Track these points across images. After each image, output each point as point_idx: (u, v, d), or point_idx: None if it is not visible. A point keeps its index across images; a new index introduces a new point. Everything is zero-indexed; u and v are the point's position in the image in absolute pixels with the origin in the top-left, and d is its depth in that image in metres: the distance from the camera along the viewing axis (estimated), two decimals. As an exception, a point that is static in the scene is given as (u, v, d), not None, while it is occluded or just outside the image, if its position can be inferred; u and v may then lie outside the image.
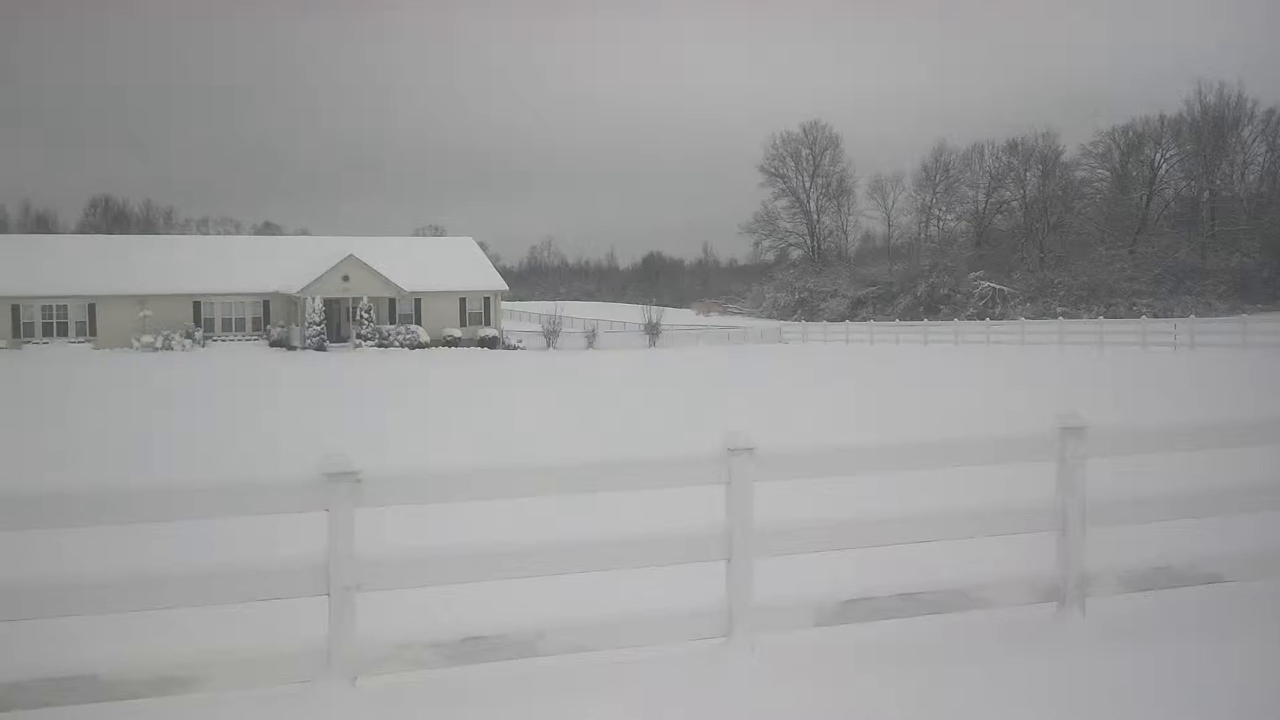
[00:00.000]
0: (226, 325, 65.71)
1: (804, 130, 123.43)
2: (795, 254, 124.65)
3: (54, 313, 62.44)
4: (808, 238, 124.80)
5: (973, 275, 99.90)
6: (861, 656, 6.23)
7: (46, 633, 5.82)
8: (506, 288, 73.54)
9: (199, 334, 63.52)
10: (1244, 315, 56.46)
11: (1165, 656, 6.20)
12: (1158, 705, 5.54)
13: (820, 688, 5.79)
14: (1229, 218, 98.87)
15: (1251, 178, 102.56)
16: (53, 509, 5.44)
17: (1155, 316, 70.22)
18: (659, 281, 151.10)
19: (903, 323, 76.85)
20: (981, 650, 6.36)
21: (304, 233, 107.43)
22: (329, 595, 5.60)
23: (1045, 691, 5.75)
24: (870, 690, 5.76)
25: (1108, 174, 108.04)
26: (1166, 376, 30.87)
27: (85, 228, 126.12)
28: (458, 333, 67.18)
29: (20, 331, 61.53)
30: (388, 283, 65.38)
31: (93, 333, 62.71)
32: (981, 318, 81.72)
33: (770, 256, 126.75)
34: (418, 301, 67.61)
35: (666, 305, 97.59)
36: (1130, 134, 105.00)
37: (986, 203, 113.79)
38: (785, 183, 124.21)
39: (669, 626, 6.19)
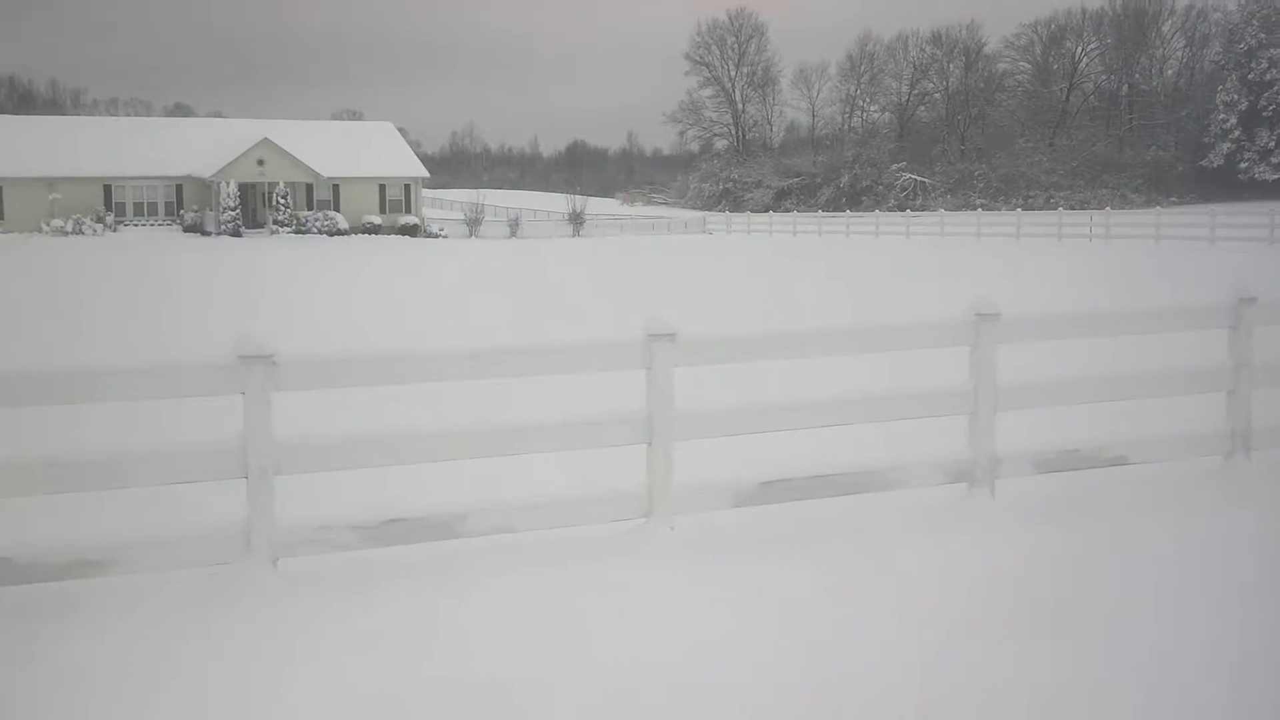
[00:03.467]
0: (139, 210, 64.01)
1: (730, 18, 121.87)
2: (720, 144, 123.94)
3: (-43, 196, 60.41)
4: (732, 128, 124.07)
5: (895, 167, 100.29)
6: (776, 536, 6.37)
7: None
8: (427, 174, 72.37)
9: (110, 218, 61.86)
10: (1158, 208, 57.44)
11: (1070, 535, 6.41)
12: (1058, 581, 5.74)
13: (735, 565, 5.92)
14: (1147, 112, 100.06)
15: (1170, 72, 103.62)
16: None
17: (1072, 209, 71.16)
18: (583, 170, 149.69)
19: (825, 214, 77.06)
20: (891, 528, 6.54)
21: (217, 115, 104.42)
22: (247, 478, 5.58)
23: (947, 567, 5.93)
24: (782, 567, 5.89)
25: (1029, 66, 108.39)
26: (1081, 268, 31.44)
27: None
28: (377, 220, 66.15)
29: (-78, 215, 59.51)
30: (304, 168, 64.02)
31: (0, 216, 60.79)
32: (902, 209, 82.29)
33: (695, 146, 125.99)
34: (336, 188, 66.36)
35: (591, 195, 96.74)
36: (1052, 26, 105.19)
37: (910, 94, 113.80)
38: (710, 71, 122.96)
39: (590, 508, 6.26)
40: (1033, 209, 74.42)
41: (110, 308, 22.21)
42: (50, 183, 61.61)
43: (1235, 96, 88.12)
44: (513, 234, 69.28)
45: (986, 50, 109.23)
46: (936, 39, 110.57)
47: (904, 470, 6.84)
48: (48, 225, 60.02)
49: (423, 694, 4.47)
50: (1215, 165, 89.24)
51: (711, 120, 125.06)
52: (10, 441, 6.25)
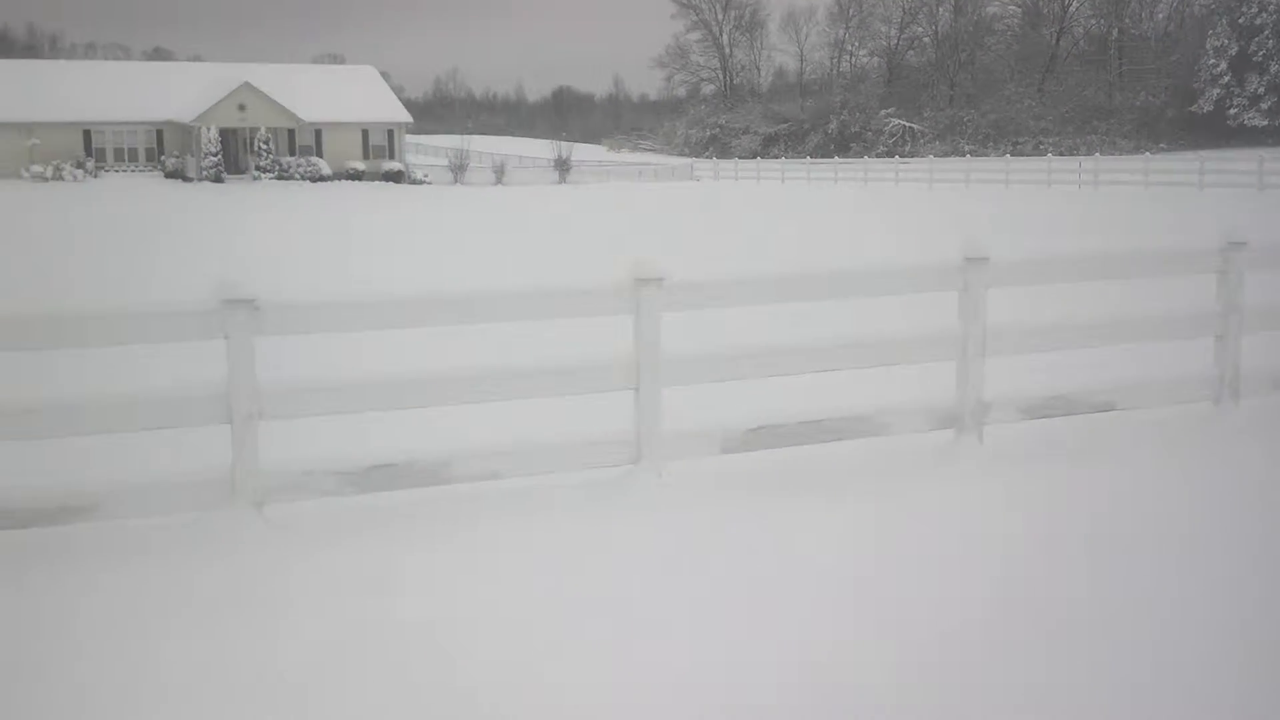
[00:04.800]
0: (119, 155, 63.33)
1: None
2: (707, 89, 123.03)
3: (-66, 140, 59.68)
4: (720, 73, 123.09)
5: (884, 112, 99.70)
6: (765, 481, 6.35)
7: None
8: (410, 120, 71.71)
9: (90, 164, 61.23)
10: (1147, 154, 57.31)
11: (1057, 477, 6.42)
12: (1045, 520, 5.75)
13: (723, 509, 5.90)
14: (1136, 57, 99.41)
15: (1160, 16, 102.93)
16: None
17: (1061, 155, 70.97)
18: (570, 116, 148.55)
19: (813, 160, 76.69)
20: (877, 472, 6.54)
21: (197, 58, 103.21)
22: (231, 423, 5.53)
23: (934, 510, 5.92)
24: (770, 510, 5.88)
25: (1019, 10, 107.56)
26: (1069, 214, 31.40)
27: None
28: (360, 166, 65.58)
29: (-100, 161, 58.79)
30: (286, 112, 63.35)
31: (-21, 162, 60.15)
32: (891, 156, 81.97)
33: (682, 92, 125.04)
34: (318, 133, 65.71)
35: (577, 141, 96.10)
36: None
37: (899, 38, 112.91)
38: (698, 15, 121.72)
39: (577, 453, 6.23)
40: (1021, 155, 74.21)
41: (91, 254, 22.02)
42: (29, 128, 60.87)
43: (1225, 41, 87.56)
44: (498, 180, 68.83)
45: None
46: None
47: (892, 415, 6.82)
48: (27, 171, 59.37)
49: (401, 636, 4.46)
50: (1205, 111, 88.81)
51: (699, 65, 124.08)
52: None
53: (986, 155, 79.32)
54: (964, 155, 72.30)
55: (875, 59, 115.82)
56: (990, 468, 6.62)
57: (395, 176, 65.49)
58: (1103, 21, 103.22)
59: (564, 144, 78.32)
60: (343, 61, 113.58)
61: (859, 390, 7.12)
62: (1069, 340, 7.41)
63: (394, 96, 72.86)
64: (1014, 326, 7.08)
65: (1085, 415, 7.30)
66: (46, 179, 58.72)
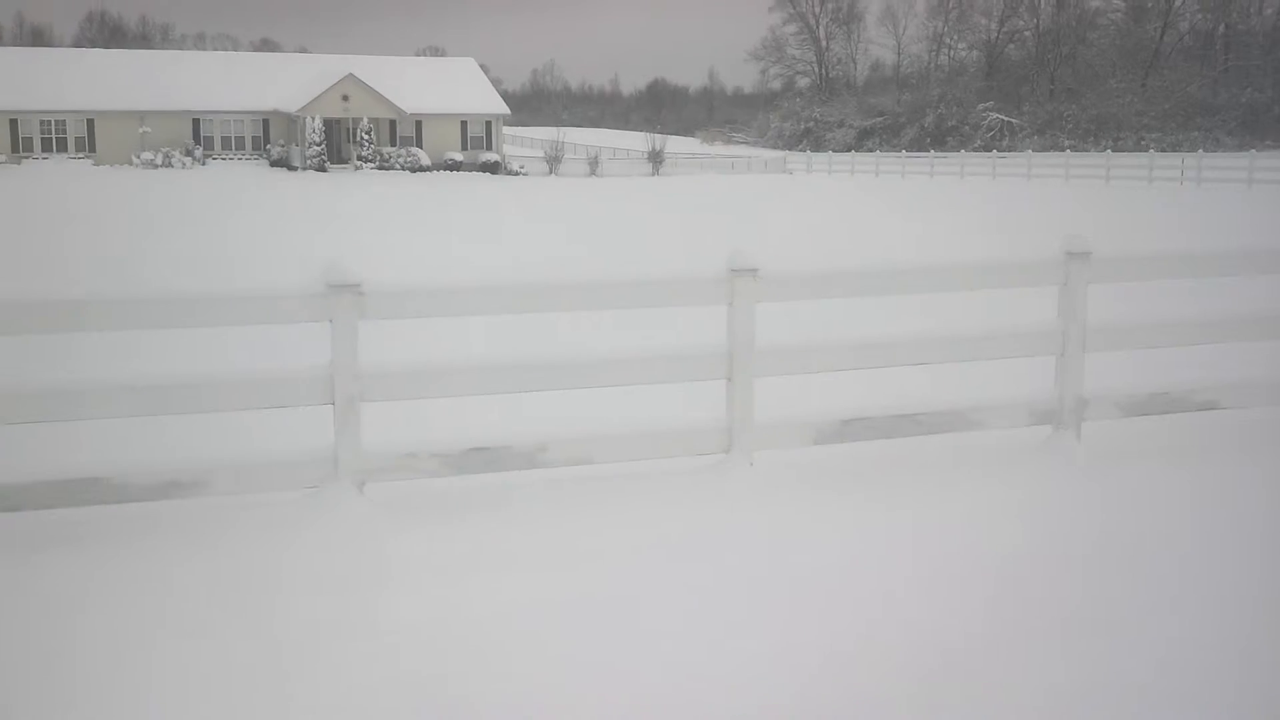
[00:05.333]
0: (226, 144, 64.87)
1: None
2: (802, 82, 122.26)
3: (53, 128, 61.54)
4: (816, 65, 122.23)
5: (981, 106, 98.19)
6: (857, 474, 6.35)
7: (52, 437, 5.91)
8: (508, 111, 72.33)
9: (199, 152, 62.79)
10: (1252, 151, 55.69)
11: (1157, 477, 6.31)
12: (1138, 523, 5.67)
13: (815, 500, 5.91)
14: (1243, 52, 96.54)
15: (1269, 10, 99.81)
16: (58, 314, 5.47)
17: (1163, 151, 69.25)
18: (664, 109, 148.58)
19: (909, 154, 75.81)
20: (972, 468, 6.48)
21: (302, 50, 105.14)
22: (334, 404, 5.67)
23: (1028, 507, 5.87)
24: (863, 503, 5.88)
25: (1123, 4, 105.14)
26: (1171, 210, 30.68)
27: (81, 42, 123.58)
28: (459, 157, 66.38)
29: (19, 146, 60.77)
30: (388, 104, 64.31)
31: (92, 149, 61.98)
32: (989, 150, 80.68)
33: (777, 85, 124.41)
34: (418, 124, 66.62)
35: (671, 133, 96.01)
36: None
37: (999, 31, 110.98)
38: (794, 7, 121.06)
39: (670, 441, 6.28)
40: (1123, 150, 72.55)
41: (199, 237, 22.60)
42: (140, 116, 62.61)
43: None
44: (592, 172, 69.14)
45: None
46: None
47: (988, 410, 6.76)
48: (138, 158, 61.11)
49: (504, 616, 4.55)
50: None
51: (794, 58, 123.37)
52: (101, 365, 6.41)
53: (1086, 150, 77.71)
54: (1064, 150, 70.82)
55: (974, 52, 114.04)
56: (1089, 465, 6.53)
57: (492, 167, 66.15)
58: (1209, 16, 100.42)
59: (657, 136, 78.28)
60: (444, 54, 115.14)
61: (952, 383, 7.07)
62: (1172, 338, 7.27)
63: (492, 89, 73.53)
64: (1115, 323, 6.97)
65: (1188, 414, 7.16)
66: (156, 165, 60.36)
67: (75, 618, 4.58)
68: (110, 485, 5.47)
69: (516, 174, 65.87)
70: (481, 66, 76.66)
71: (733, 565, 5.12)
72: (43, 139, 61.42)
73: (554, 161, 70.27)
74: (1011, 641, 4.39)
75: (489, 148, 69.00)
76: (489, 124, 69.60)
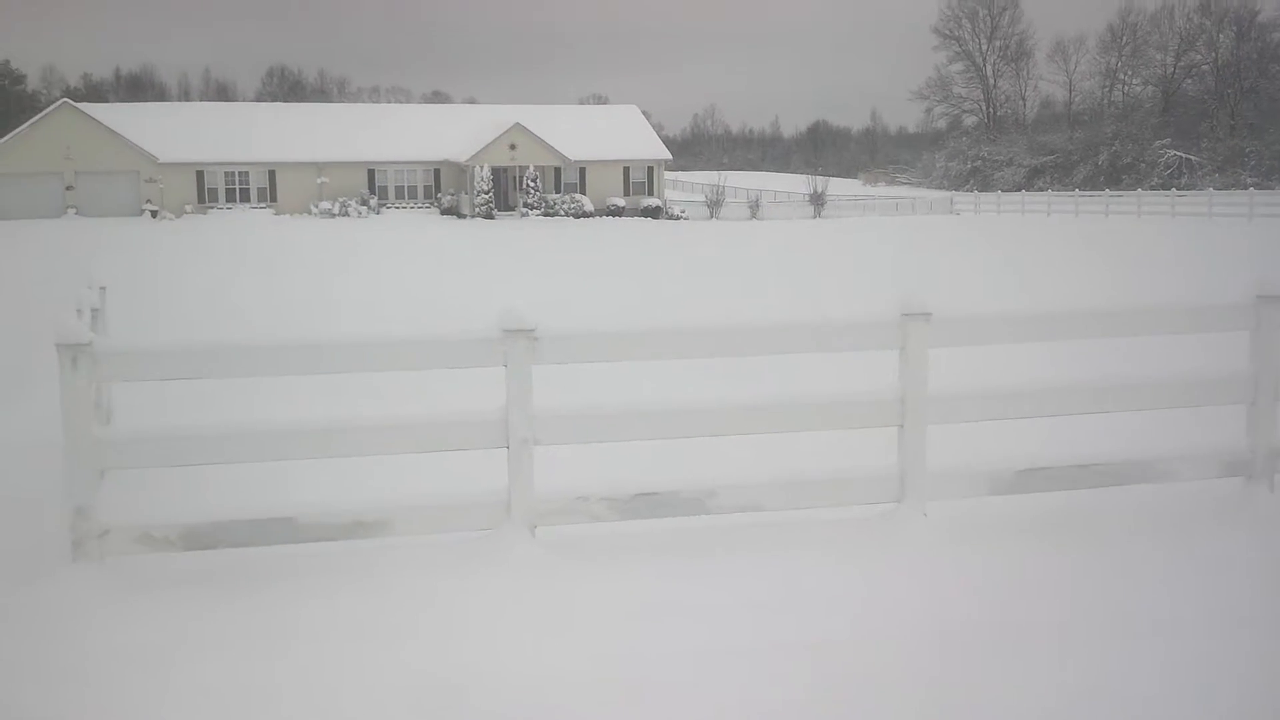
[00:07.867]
0: (399, 193, 67.11)
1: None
2: (969, 121, 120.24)
3: (236, 179, 64.61)
4: (983, 103, 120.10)
5: (1158, 143, 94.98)
6: (1036, 526, 6.15)
7: (245, 477, 6.15)
8: (670, 156, 73.05)
9: (374, 201, 65.10)
10: None
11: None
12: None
13: (993, 553, 5.75)
14: None
15: None
16: (240, 360, 5.68)
17: (1357, 188, 65.76)
18: (825, 151, 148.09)
19: (1082, 193, 73.75)
20: (1161, 522, 6.22)
21: (471, 101, 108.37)
22: (508, 448, 5.77)
23: (1229, 565, 5.60)
24: (1044, 557, 5.69)
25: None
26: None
27: (262, 96, 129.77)
28: (621, 202, 67.25)
29: (205, 197, 63.96)
30: (553, 151, 65.65)
31: (273, 199, 64.84)
32: (1166, 188, 77.93)
33: (942, 124, 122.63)
34: (582, 171, 67.81)
35: (832, 175, 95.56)
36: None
37: (1175, 66, 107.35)
38: (960, 45, 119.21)
39: (841, 489, 6.20)
40: (1312, 187, 69.14)
41: (379, 282, 23.38)
42: (319, 167, 65.31)
43: None
44: (753, 215, 69.20)
45: (1260, 19, 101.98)
46: (1205, 8, 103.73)
47: (1173, 461, 6.48)
48: (316, 207, 63.69)
49: (670, 663, 4.55)
50: None
51: (960, 96, 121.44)
52: (285, 408, 6.65)
53: (1272, 188, 74.40)
54: (1246, 188, 67.90)
55: (1149, 88, 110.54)
56: (1283, 519, 6.21)
57: (653, 212, 66.79)
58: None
59: (819, 178, 77.98)
60: (606, 101, 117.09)
61: (1130, 433, 6.81)
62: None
63: (654, 134, 74.39)
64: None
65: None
66: (333, 215, 62.79)
67: (276, 659, 4.75)
68: (301, 525, 5.67)
69: (677, 218, 66.36)
70: (643, 113, 77.67)
71: (907, 618, 5.01)
72: (227, 189, 64.52)
73: (715, 205, 70.57)
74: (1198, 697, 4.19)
75: (650, 192, 69.72)
76: (650, 169, 70.38)
